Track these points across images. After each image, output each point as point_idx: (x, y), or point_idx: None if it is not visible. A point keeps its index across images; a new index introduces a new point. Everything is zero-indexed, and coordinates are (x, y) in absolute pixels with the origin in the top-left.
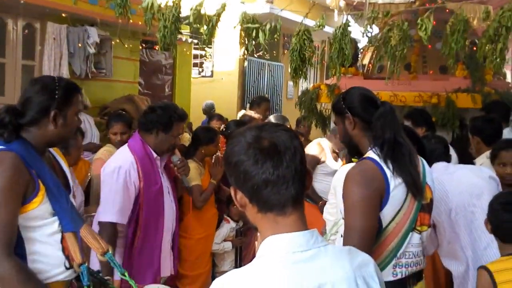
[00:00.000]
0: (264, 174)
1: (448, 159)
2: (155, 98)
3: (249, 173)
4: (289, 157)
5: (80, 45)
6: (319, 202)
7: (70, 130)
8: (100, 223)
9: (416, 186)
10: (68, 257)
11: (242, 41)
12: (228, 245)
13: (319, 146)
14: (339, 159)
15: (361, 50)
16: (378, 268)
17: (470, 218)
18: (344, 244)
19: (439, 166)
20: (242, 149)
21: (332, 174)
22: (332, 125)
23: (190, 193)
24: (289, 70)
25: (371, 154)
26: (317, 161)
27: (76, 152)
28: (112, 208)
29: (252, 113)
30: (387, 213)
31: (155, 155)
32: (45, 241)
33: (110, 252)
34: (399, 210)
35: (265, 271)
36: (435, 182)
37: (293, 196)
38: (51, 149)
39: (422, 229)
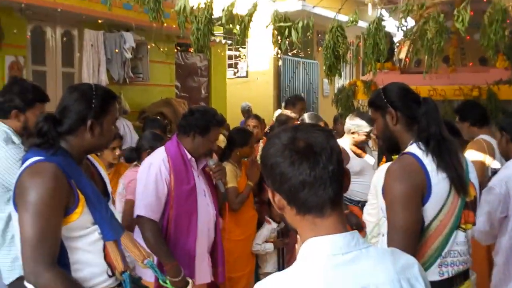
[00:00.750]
0: (300, 175)
1: None
2: (192, 101)
3: (286, 175)
4: (326, 158)
5: (117, 50)
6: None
7: (108, 139)
8: (136, 220)
9: (460, 182)
10: (110, 265)
11: (275, 40)
12: (270, 246)
13: None
14: (367, 155)
15: (397, 44)
16: (422, 269)
17: None
18: (388, 241)
19: None
20: (277, 151)
21: (357, 174)
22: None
23: (225, 198)
24: (323, 68)
25: (412, 149)
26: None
27: None
28: (141, 202)
29: (288, 113)
30: (429, 209)
31: (189, 156)
32: (88, 250)
33: (151, 259)
34: (442, 207)
35: (305, 274)
36: None
37: (331, 197)
38: (88, 156)
39: (467, 227)
